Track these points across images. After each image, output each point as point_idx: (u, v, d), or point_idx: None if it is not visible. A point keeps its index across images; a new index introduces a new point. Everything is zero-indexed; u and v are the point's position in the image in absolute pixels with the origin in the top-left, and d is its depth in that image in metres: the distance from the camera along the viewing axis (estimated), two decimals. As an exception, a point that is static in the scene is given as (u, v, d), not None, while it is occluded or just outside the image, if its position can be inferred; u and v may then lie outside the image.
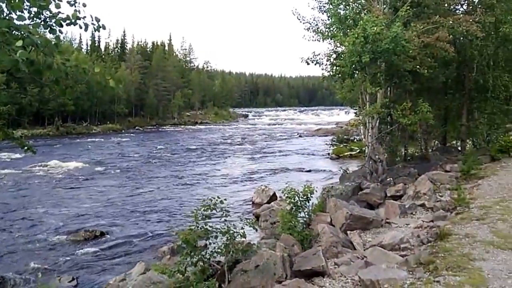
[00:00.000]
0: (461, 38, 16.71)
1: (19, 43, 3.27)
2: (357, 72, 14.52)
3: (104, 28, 4.04)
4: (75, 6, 4.02)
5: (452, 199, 10.33)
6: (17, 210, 16.63)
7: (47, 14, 3.86)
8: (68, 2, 4.04)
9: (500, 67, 16.97)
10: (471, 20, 14.88)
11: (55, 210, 16.61)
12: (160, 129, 72.90)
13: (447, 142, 20.19)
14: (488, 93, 16.91)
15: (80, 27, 3.95)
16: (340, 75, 15.16)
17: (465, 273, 5.65)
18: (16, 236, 13.40)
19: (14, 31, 3.46)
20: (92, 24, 4.00)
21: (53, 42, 3.55)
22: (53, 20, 3.83)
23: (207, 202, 7.61)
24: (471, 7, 17.54)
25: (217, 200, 7.67)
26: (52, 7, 3.83)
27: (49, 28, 3.86)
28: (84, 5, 4.03)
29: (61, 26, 3.89)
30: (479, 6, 16.72)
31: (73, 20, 3.87)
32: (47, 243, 12.79)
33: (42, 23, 3.84)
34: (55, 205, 17.44)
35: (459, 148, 18.71)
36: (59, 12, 3.88)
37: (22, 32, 3.44)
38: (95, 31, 4.04)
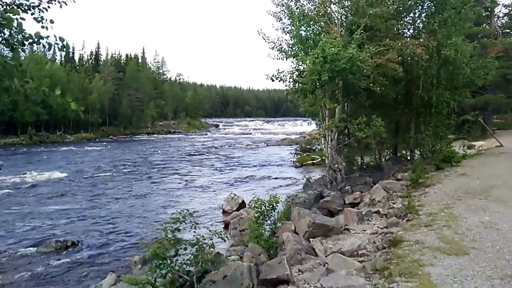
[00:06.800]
0: (409, 59, 17.32)
1: None
2: (317, 89, 14.77)
3: (68, 47, 3.66)
4: (42, 23, 3.74)
5: (403, 206, 10.47)
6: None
7: (10, 32, 3.51)
8: (35, 19, 3.74)
9: (442, 85, 17.83)
10: (417, 43, 15.64)
11: (26, 221, 15.70)
12: (133, 138, 71.42)
13: (398, 152, 20.84)
14: (433, 109, 17.79)
15: (44, 47, 3.64)
16: (302, 92, 15.31)
17: (416, 279, 5.76)
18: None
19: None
20: (56, 43, 3.66)
21: (12, 63, 3.27)
22: (15, 39, 3.51)
23: (177, 215, 7.35)
24: (416, 32, 18.31)
25: (186, 212, 7.45)
26: (15, 24, 3.49)
27: (10, 47, 3.52)
28: (52, 22, 3.72)
29: (23, 45, 3.56)
30: (424, 31, 17.62)
31: (36, 39, 3.55)
32: (15, 255, 11.96)
33: (3, 41, 3.50)
34: (25, 216, 16.47)
35: (409, 158, 19.36)
36: (23, 30, 3.53)
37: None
38: (60, 51, 4.02)
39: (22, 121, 55.00)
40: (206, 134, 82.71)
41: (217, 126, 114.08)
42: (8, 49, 3.56)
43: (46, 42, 3.65)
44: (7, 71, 3.27)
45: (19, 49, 3.58)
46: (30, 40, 3.57)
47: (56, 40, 3.67)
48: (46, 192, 21.74)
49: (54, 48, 3.73)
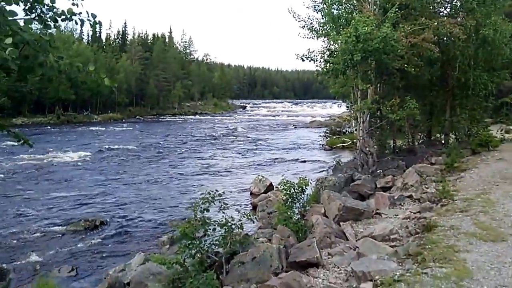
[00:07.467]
0: (445, 39, 16.71)
1: (9, 40, 2.97)
2: (349, 69, 14.47)
3: (100, 24, 3.80)
4: (72, 0, 3.72)
5: (437, 191, 10.27)
6: (15, 200, 15.87)
7: (42, 8, 3.53)
8: (66, -5, 3.65)
9: (480, 66, 17.05)
10: (454, 23, 14.98)
11: (55, 200, 16.07)
12: (160, 119, 72.09)
13: (432, 136, 20.37)
14: (469, 91, 17.10)
15: (76, 23, 3.67)
16: (333, 72, 15.06)
17: (451, 265, 5.63)
18: (14, 227, 12.68)
19: (4, 27, 3.13)
20: (88, 20, 3.68)
21: (46, 39, 3.27)
22: (48, 15, 3.52)
23: (206, 195, 7.36)
24: (453, 10, 17.61)
25: (215, 193, 7.44)
26: (47, 1, 3.50)
27: (43, 24, 3.53)
28: (83, -2, 3.64)
29: (56, 21, 3.57)
30: (461, 10, 16.88)
31: (68, 16, 3.56)
32: (46, 234, 12.22)
33: (37, 18, 3.51)
34: (54, 195, 16.82)
35: (443, 142, 18.80)
36: (54, 7, 3.55)
37: (13, 28, 3.11)
38: (91, 27, 3.76)
39: (55, 98, 55.83)
40: (233, 116, 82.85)
41: (244, 107, 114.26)
42: (41, 25, 3.58)
43: (79, 18, 3.67)
44: (41, 47, 3.28)
45: (51, 26, 3.60)
46: (63, 17, 3.60)
47: (88, 16, 3.69)
48: (73, 171, 22.29)
49: (83, 25, 3.78)
